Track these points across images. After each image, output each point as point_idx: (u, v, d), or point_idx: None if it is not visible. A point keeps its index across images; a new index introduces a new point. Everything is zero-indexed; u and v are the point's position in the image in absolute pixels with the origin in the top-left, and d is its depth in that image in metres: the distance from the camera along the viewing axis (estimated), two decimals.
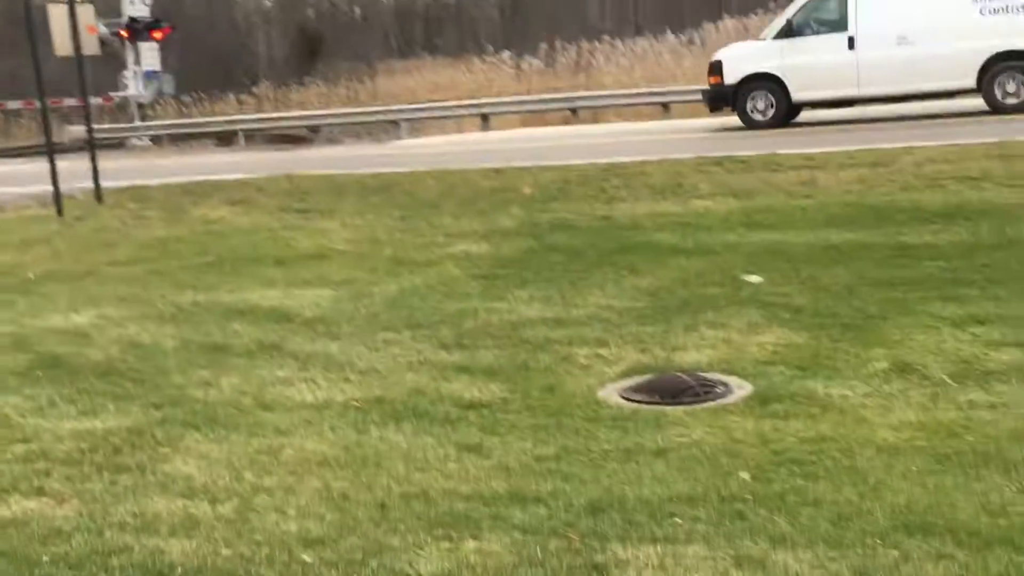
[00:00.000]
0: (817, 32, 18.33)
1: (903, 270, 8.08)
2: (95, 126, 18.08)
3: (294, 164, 17.35)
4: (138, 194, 14.65)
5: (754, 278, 8.18)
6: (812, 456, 4.77)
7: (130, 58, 31.68)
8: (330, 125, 29.41)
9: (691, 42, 34.30)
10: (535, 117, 27.58)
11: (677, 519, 4.24)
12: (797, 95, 18.42)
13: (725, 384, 5.88)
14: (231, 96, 38.51)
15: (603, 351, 6.65)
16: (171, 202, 13.92)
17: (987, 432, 4.90)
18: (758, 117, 18.59)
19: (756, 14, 33.50)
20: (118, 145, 29.29)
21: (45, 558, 4.25)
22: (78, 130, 24.25)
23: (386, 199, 12.91)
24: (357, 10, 67.48)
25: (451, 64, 43.76)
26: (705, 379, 5.95)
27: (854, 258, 8.56)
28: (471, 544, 4.15)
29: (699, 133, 18.76)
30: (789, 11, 18.99)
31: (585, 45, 37.06)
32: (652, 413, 5.52)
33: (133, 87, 31.94)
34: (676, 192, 11.98)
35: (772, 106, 18.51)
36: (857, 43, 17.83)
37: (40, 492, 4.89)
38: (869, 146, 13.49)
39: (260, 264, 10.09)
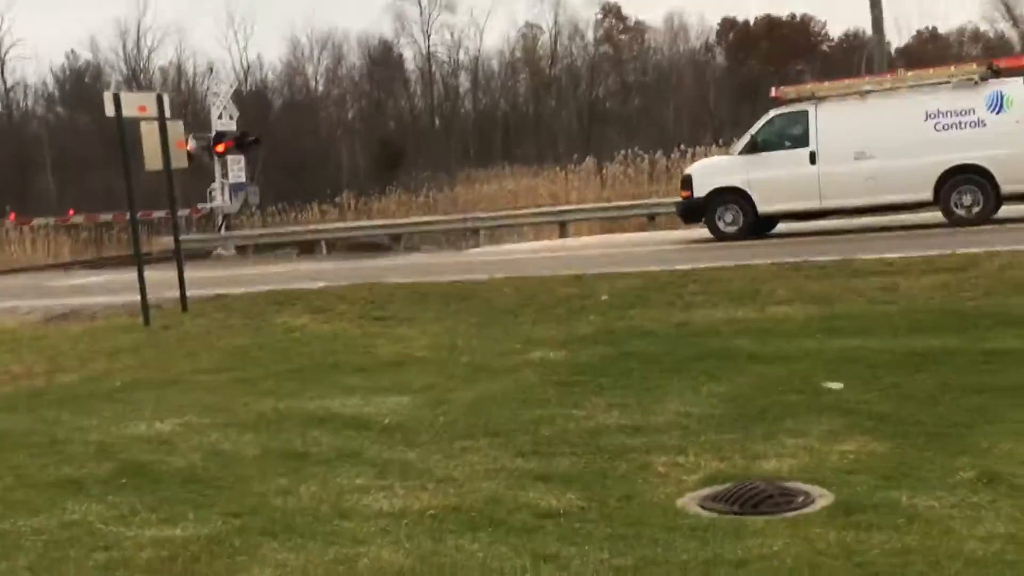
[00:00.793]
0: (780, 148, 19.06)
1: (989, 376, 7.91)
2: (183, 236, 18.57)
3: (374, 272, 17.60)
4: (222, 303, 14.95)
5: (835, 385, 8.06)
6: (898, 569, 4.65)
7: (217, 170, 32.62)
8: (410, 233, 29.84)
9: None
10: (613, 224, 27.74)
11: None
12: (763, 208, 19.07)
13: (806, 493, 5.78)
14: (314, 206, 39.38)
15: (681, 459, 6.58)
16: (254, 310, 14.17)
17: None
18: (726, 229, 19.24)
19: None
20: (204, 255, 29.99)
21: None
22: (166, 241, 24.91)
23: (465, 307, 13.02)
24: (437, 120, 68.87)
25: (529, 172, 44.36)
26: (785, 488, 5.85)
27: (938, 364, 8.41)
28: None
29: (765, 240, 18.67)
30: (754, 128, 19.71)
31: (662, 152, 37.39)
32: (731, 523, 5.43)
33: (220, 198, 32.82)
34: (754, 298, 11.92)
35: (740, 218, 19.18)
36: (818, 158, 18.53)
37: None
38: (949, 251, 13.31)
39: (340, 371, 10.20)
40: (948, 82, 18.13)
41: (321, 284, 15.79)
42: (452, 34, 70.60)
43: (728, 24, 74.36)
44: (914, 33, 72.93)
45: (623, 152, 38.63)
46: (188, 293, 15.00)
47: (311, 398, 9.08)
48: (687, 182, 20.03)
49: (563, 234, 26.99)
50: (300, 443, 7.60)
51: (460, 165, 51.63)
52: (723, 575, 4.75)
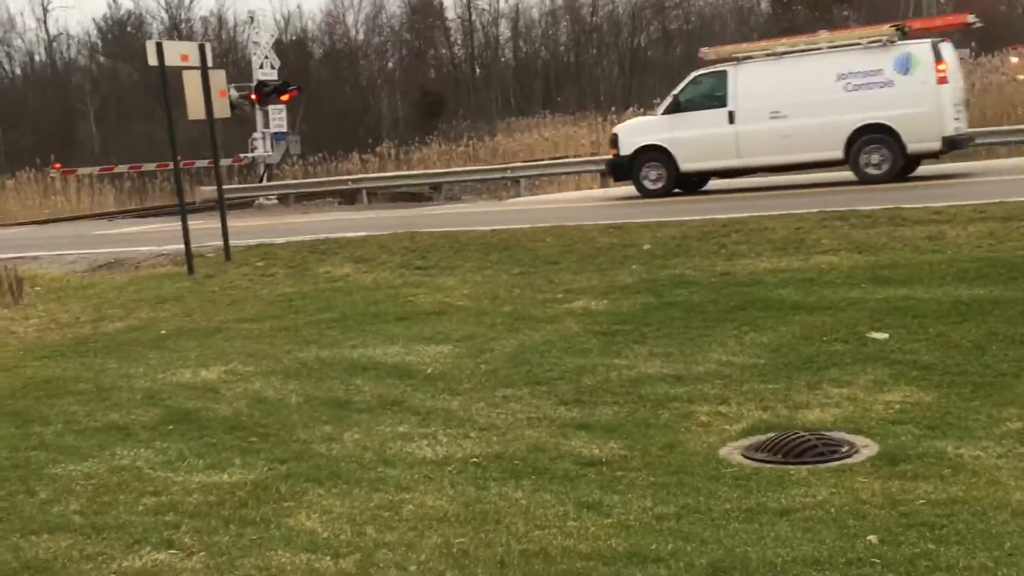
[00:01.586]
0: (701, 107, 19.56)
1: None
2: (225, 186, 18.64)
3: (416, 222, 17.62)
4: (265, 252, 15.02)
5: (880, 335, 8.00)
6: (943, 519, 4.63)
7: (259, 120, 32.69)
8: (450, 183, 29.80)
9: None
10: None
11: None
12: (684, 165, 19.64)
13: (850, 443, 5.75)
14: (355, 155, 39.39)
15: (724, 408, 6.57)
16: (296, 260, 14.23)
17: None
18: (650, 186, 19.83)
19: None
20: (247, 204, 30.13)
21: None
22: (209, 190, 25.05)
23: (506, 256, 13.01)
24: (478, 70, 68.54)
25: (570, 121, 44.09)
26: (830, 438, 5.83)
27: (985, 314, 8.31)
28: None
29: (808, 190, 18.49)
30: (677, 88, 20.29)
31: None
32: (775, 472, 5.42)
33: (262, 148, 32.91)
34: (798, 247, 11.82)
35: (664, 176, 19.76)
36: (736, 117, 19.08)
37: (170, 544, 5.01)
38: (999, 199, 13.12)
39: (382, 320, 10.24)
40: (859, 43, 18.56)
41: (362, 233, 15.83)
42: None
43: None
44: None
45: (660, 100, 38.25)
46: (231, 242, 15.10)
47: (353, 346, 9.13)
48: (614, 140, 20.68)
49: (604, 183, 26.84)
50: (343, 391, 7.66)
51: (500, 114, 51.42)
52: (766, 524, 4.75)
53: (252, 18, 34.08)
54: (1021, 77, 32.35)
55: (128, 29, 65.33)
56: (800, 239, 12.16)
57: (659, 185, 19.76)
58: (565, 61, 70.40)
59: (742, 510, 4.94)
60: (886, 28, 18.78)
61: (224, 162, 28.69)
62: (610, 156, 21.02)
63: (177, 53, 14.64)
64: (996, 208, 12.63)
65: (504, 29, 70.28)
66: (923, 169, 19.29)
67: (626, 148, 20.15)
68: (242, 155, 34.04)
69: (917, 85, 17.89)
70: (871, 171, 18.12)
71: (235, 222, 17.51)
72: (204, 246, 15.22)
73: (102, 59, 66.26)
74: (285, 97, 31.92)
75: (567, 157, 32.48)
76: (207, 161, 27.89)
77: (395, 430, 6.63)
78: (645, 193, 19.79)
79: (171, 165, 15.67)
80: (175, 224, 15.55)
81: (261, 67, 32.39)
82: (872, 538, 4.49)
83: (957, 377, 6.79)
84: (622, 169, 20.50)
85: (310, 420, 6.98)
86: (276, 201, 30.92)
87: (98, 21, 67.32)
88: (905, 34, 18.50)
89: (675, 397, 6.87)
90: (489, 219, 17.00)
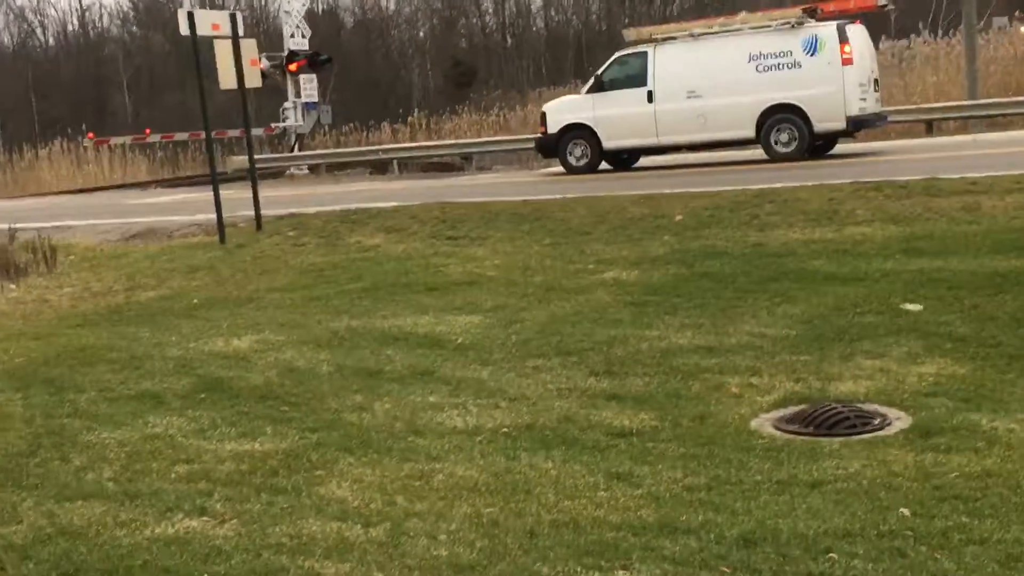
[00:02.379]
0: (623, 87, 20.09)
1: None
2: (256, 156, 18.67)
3: (446, 192, 17.61)
4: (296, 222, 15.06)
5: (914, 306, 7.94)
6: (977, 492, 4.59)
7: (290, 90, 32.68)
8: (481, 153, 29.72)
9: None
10: None
11: (833, 555, 4.13)
12: (607, 143, 20.19)
13: (883, 415, 5.72)
14: (386, 126, 39.36)
15: (755, 380, 6.54)
16: (327, 230, 14.26)
17: None
18: (575, 163, 20.37)
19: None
20: (278, 174, 30.17)
21: None
22: (241, 160, 25.10)
23: (537, 226, 12.98)
24: (509, 39, 68.24)
25: None
26: (862, 410, 5.79)
27: (1021, 286, 8.22)
28: (621, 575, 4.12)
29: (814, 162, 18.35)
30: (601, 68, 20.82)
31: None
32: (806, 444, 5.40)
33: (293, 118, 32.93)
34: (832, 218, 11.73)
35: (588, 153, 20.30)
36: (655, 97, 19.65)
37: (202, 512, 5.05)
38: None
39: (413, 291, 10.25)
40: (769, 26, 19.08)
41: (393, 204, 15.84)
42: None
43: None
44: None
45: None
46: (262, 212, 15.14)
47: (384, 317, 9.15)
48: (543, 119, 21.26)
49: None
50: (374, 361, 7.68)
51: (532, 84, 51.19)
52: (797, 496, 4.73)
53: None
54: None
55: None
56: (834, 210, 12.06)
57: (583, 162, 20.33)
58: (597, 31, 69.90)
59: (773, 482, 4.92)
60: (796, 11, 19.34)
61: (256, 132, 28.77)
62: (539, 134, 21.61)
63: (208, 22, 14.65)
64: None
65: None
66: (951, 139, 19.14)
67: (553, 126, 20.77)
68: (273, 125, 34.07)
69: (823, 66, 18.41)
70: (780, 149, 18.66)
71: (266, 192, 17.56)
72: (236, 216, 15.27)
73: (135, 29, 66.44)
74: (292, 67, 31.78)
75: None
76: (239, 131, 27.90)
77: (425, 400, 6.65)
78: (570, 169, 20.39)
79: (203, 135, 15.69)
80: (207, 194, 15.61)
81: (292, 36, 32.37)
82: (904, 511, 4.46)
83: (992, 350, 6.72)
84: (549, 146, 21.12)
85: (341, 389, 7.01)
86: (307, 171, 30.97)
87: None
88: (815, 16, 19.05)
89: (706, 368, 6.85)
90: (519, 190, 16.97)
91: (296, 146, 33.16)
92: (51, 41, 66.86)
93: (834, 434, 5.52)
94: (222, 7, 51.32)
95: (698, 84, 19.28)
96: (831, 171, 15.25)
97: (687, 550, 4.27)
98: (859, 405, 5.89)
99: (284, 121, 33.22)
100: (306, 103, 32.76)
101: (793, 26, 18.82)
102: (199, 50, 14.37)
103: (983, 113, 24.79)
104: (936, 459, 5.02)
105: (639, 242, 11.61)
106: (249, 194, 15.31)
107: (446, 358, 7.64)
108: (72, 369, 7.99)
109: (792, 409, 5.95)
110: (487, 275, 10.72)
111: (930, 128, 24.95)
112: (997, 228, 10.51)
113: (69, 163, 36.33)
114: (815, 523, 4.42)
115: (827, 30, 18.64)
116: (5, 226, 14.63)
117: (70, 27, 67.02)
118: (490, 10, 69.36)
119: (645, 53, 19.96)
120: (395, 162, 29.54)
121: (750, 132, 18.96)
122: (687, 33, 20.11)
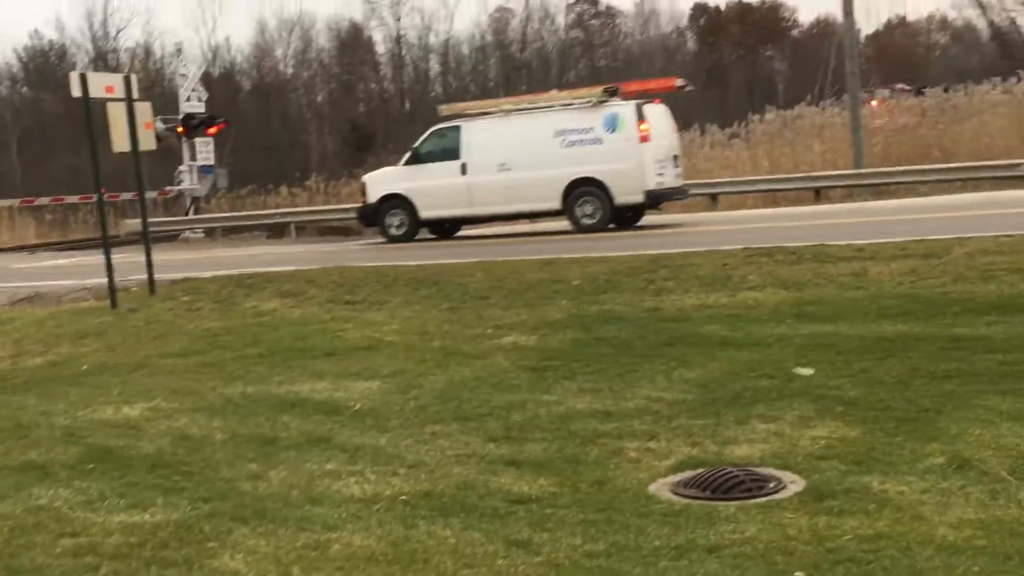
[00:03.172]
0: (438, 159, 21.23)
1: (958, 363, 7.95)
2: (151, 219, 18.40)
3: (344, 256, 17.52)
4: (191, 286, 14.82)
5: (806, 371, 8.09)
6: (869, 555, 4.66)
7: (186, 153, 32.38)
8: None
9: (736, 136, 34.10)
10: None
11: None
12: (423, 213, 21.29)
13: (778, 479, 5.79)
14: (283, 189, 39.15)
15: (653, 444, 6.58)
16: (223, 294, 14.06)
17: None
18: (394, 232, 21.42)
19: None
20: (173, 238, 29.77)
21: None
22: (134, 223, 24.70)
23: (435, 291, 12.97)
24: (407, 104, 68.58)
25: None
26: (758, 474, 5.86)
27: (907, 350, 8.44)
28: None
29: (728, 224, 18.76)
30: (417, 141, 21.96)
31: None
32: (704, 509, 5.43)
33: (188, 181, 32.57)
34: (725, 283, 11.93)
35: (406, 222, 21.35)
36: (468, 169, 20.76)
37: None
38: (920, 237, 13.38)
39: (310, 356, 10.14)
40: (573, 103, 20.30)
41: (290, 268, 15.70)
42: (422, 17, 70.38)
43: (700, 10, 74.48)
44: (884, 20, 73.35)
45: None
46: (156, 276, 14.88)
47: (280, 383, 9.02)
48: (363, 189, 22.35)
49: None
50: (269, 428, 7.55)
51: None
52: (695, 561, 4.75)
53: (179, 50, 33.82)
54: (877, 123, 32.43)
55: (51, 60, 64.42)
56: (727, 275, 12.28)
57: (402, 231, 21.22)
58: (494, 96, 70.60)
59: (671, 547, 4.93)
60: (597, 90, 20.51)
61: (149, 195, 28.34)
62: (359, 204, 22.51)
63: (102, 85, 14.46)
64: (917, 245, 12.87)
65: (434, 64, 70.49)
66: (839, 207, 19.73)
67: (372, 196, 21.66)
68: (168, 188, 33.67)
69: (622, 143, 19.57)
70: (585, 221, 19.79)
71: (161, 256, 17.27)
72: (128, 280, 14.98)
73: (24, 90, 65.21)
74: (212, 130, 31.72)
75: None
76: (132, 194, 27.50)
77: (322, 467, 6.54)
78: (390, 239, 21.23)
79: (94, 198, 15.41)
80: (98, 257, 15.29)
81: (188, 99, 32.11)
82: (800, 574, 4.51)
83: (881, 412, 6.87)
84: (369, 216, 22.00)
85: (235, 458, 6.87)
86: (203, 235, 30.62)
87: (19, 51, 66.12)
88: (616, 95, 20.14)
89: (604, 433, 6.87)
90: (419, 255, 16.97)
91: (192, 209, 32.78)
92: None
93: (730, 498, 5.57)
94: (117, 69, 50.66)
95: (508, 157, 20.22)
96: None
97: None
98: (754, 469, 5.95)
99: (179, 184, 32.87)
100: (202, 166, 32.47)
101: (594, 104, 19.89)
102: (92, 112, 14.15)
103: (867, 182, 25.82)
104: (829, 522, 5.09)
105: (537, 307, 11.67)
106: (142, 258, 15.04)
107: (343, 424, 7.55)
108: None
109: (689, 473, 5.99)
110: (385, 340, 10.66)
111: (818, 195, 25.79)
112: (883, 294, 10.81)
113: None
114: None
115: (626, 108, 19.72)
116: None
117: None
118: (388, 75, 69.76)
119: (459, 127, 21.00)
120: (292, 226, 29.38)
121: (557, 204, 19.97)
122: (499, 109, 21.14)
